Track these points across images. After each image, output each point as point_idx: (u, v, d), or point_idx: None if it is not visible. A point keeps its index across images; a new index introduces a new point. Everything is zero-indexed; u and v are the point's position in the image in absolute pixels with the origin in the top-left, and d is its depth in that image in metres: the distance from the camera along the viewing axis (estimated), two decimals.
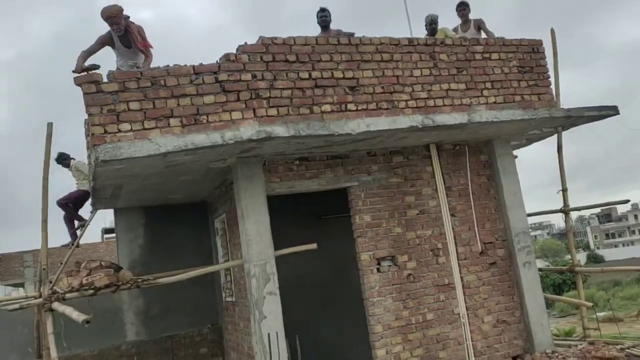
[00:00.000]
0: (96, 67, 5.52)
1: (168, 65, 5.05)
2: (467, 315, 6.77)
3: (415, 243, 6.76)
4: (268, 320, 5.68)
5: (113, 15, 5.96)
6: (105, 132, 4.64)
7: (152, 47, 6.36)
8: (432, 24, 8.07)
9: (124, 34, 6.19)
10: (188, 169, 5.93)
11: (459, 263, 6.91)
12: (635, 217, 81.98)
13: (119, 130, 4.67)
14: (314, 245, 6.07)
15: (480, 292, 6.95)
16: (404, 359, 6.34)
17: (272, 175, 6.16)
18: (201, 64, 5.11)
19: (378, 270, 6.48)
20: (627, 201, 9.06)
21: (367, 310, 6.38)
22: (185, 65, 5.06)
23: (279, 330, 5.68)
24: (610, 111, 7.17)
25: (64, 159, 8.70)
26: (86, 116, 4.88)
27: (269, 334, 5.59)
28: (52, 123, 5.68)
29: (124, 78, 4.83)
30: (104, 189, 6.64)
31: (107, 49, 6.31)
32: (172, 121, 4.86)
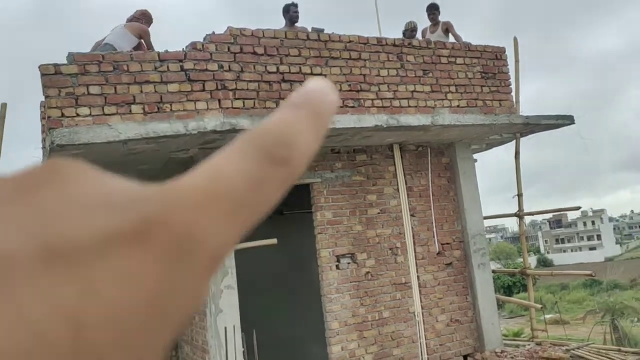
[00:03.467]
0: None
1: (132, 50, 4.92)
2: (422, 314, 6.89)
3: (375, 241, 6.82)
4: (224, 314, 5.62)
5: (152, 22, 6.27)
6: (63, 115, 4.48)
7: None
8: (413, 30, 8.13)
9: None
10: (149, 157, 5.80)
11: (416, 262, 7.02)
12: (584, 223, 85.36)
13: (77, 115, 4.52)
14: (274, 241, 6.04)
15: (436, 291, 7.09)
16: (359, 356, 6.40)
17: None
18: (167, 51, 5.00)
19: (337, 267, 6.52)
20: (578, 208, 9.43)
21: (324, 306, 6.41)
22: (150, 52, 4.94)
23: (235, 325, 5.64)
24: (566, 120, 7.43)
25: None
26: (43, 98, 4.70)
27: (225, 328, 5.54)
28: (6, 104, 5.46)
29: (84, 61, 4.67)
30: None
31: None
32: (134, 108, 4.74)
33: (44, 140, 5.33)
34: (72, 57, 4.64)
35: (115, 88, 4.70)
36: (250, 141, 0.21)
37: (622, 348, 8.11)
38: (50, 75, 4.52)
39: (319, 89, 0.23)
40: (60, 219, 0.17)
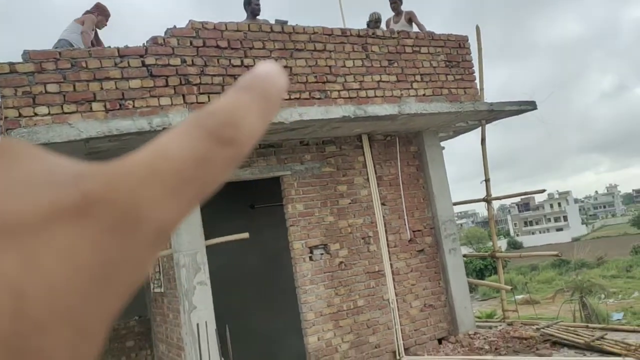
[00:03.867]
0: None
1: (90, 47, 4.79)
2: (397, 301, 6.98)
3: (347, 231, 6.86)
4: (198, 310, 5.58)
5: (109, 16, 6.30)
6: (20, 115, 4.35)
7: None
8: (377, 21, 8.15)
9: (95, 34, 6.23)
10: (112, 156, 5.60)
11: (389, 251, 7.09)
12: (551, 206, 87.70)
13: (36, 114, 4.39)
14: (245, 235, 6.01)
15: (409, 278, 7.18)
16: (335, 345, 6.45)
17: None
18: (127, 47, 4.89)
19: (310, 258, 6.53)
20: (543, 191, 9.66)
21: (299, 298, 6.42)
22: (109, 47, 4.83)
23: (209, 321, 5.60)
24: (529, 106, 7.59)
25: None
26: None
27: (197, 325, 5.50)
28: None
29: (40, 59, 4.53)
30: None
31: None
32: (95, 105, 4.63)
33: None
34: (28, 55, 4.50)
35: (74, 86, 4.58)
36: (196, 122, 0.21)
37: (590, 325, 8.38)
38: (5, 74, 4.37)
39: (268, 72, 0.24)
40: (4, 196, 0.17)
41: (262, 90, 0.23)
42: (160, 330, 7.82)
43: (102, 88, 4.69)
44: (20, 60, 4.47)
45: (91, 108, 4.61)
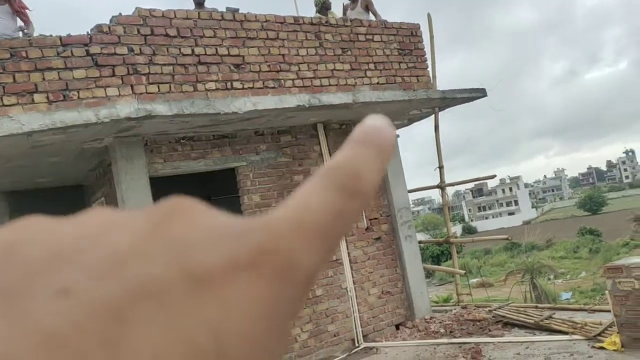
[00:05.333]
0: None
1: (30, 35, 4.56)
2: (355, 289, 7.05)
3: None
4: None
5: None
6: None
7: (27, 8, 5.67)
8: (323, 6, 8.09)
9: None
10: (59, 149, 5.45)
11: (346, 239, 7.13)
12: (503, 191, 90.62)
13: None
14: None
15: (367, 266, 7.26)
16: (295, 335, 6.46)
17: (155, 156, 5.87)
18: (69, 35, 4.68)
19: None
20: (494, 176, 9.97)
21: None
22: (51, 36, 4.61)
23: None
24: (479, 94, 7.77)
25: None
26: None
27: None
28: None
29: None
30: None
31: None
32: (37, 97, 4.42)
33: None
34: None
35: (14, 76, 4.35)
36: (327, 176, 0.23)
37: (539, 305, 8.72)
38: None
39: (379, 125, 0.26)
40: (192, 249, 0.20)
41: (377, 144, 0.25)
42: None
43: (44, 79, 4.48)
44: None
45: (33, 100, 4.39)
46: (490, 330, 6.34)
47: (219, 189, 8.19)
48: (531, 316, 6.40)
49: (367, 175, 0.24)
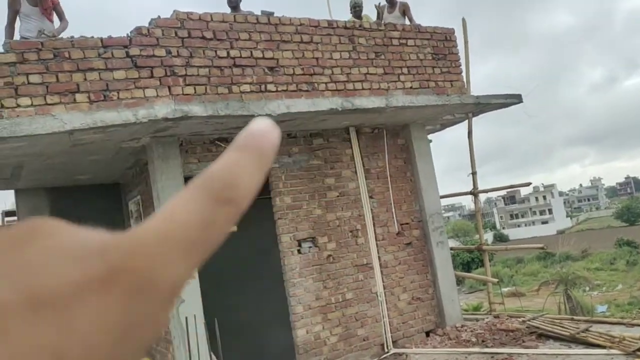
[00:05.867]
0: None
1: (72, 37, 4.70)
2: (384, 294, 6.99)
3: (335, 224, 6.85)
4: (186, 303, 5.53)
5: None
6: (2, 106, 4.26)
7: (57, 3, 5.71)
8: (355, 7, 8.10)
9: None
10: (98, 148, 5.60)
11: (377, 243, 7.10)
12: (537, 199, 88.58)
13: (18, 105, 4.31)
14: (233, 228, 5.96)
15: (397, 271, 7.20)
16: (324, 338, 6.45)
17: (190, 156, 5.97)
18: (110, 37, 4.81)
19: (299, 251, 6.52)
20: (529, 184, 9.74)
21: (287, 291, 6.41)
22: (92, 38, 4.74)
23: (198, 313, 5.57)
24: (515, 99, 7.62)
25: None
26: None
27: (186, 318, 5.46)
28: None
29: (22, 49, 4.44)
30: (2, 169, 6.12)
31: None
32: (79, 97, 4.55)
33: None
34: (9, 45, 4.41)
35: (57, 76, 4.50)
36: (199, 186, 0.23)
37: (575, 317, 8.48)
38: None
39: (261, 129, 0.26)
40: (41, 271, 0.20)
41: (257, 149, 0.25)
42: None
43: (85, 79, 4.61)
44: (2, 50, 4.38)
45: (75, 99, 4.52)
46: (524, 341, 6.19)
47: None
48: (567, 328, 6.22)
49: (244, 182, 0.24)
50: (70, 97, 4.51)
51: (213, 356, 5.51)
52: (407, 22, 8.03)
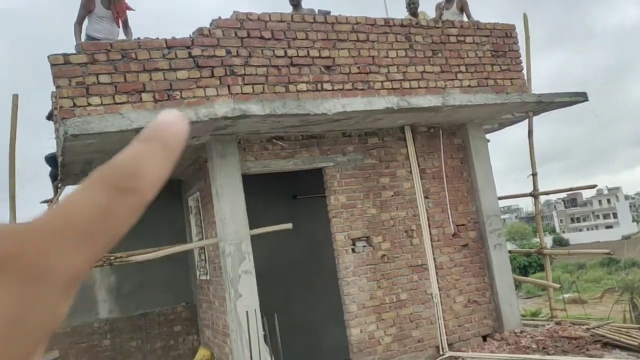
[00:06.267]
0: None
1: (139, 38, 4.91)
2: (440, 296, 6.87)
3: (390, 224, 6.80)
4: (244, 298, 5.65)
5: None
6: (75, 105, 4.49)
7: (131, 9, 5.95)
8: (411, 4, 8.01)
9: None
10: None
11: (432, 244, 6.99)
12: (600, 202, 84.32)
13: (89, 104, 4.53)
14: (289, 225, 6.04)
15: (453, 273, 7.06)
16: (378, 338, 6.41)
17: (247, 154, 6.09)
18: (174, 38, 4.98)
19: (353, 250, 6.51)
20: (594, 186, 9.28)
21: (341, 290, 6.41)
22: (157, 39, 4.92)
23: (256, 308, 5.67)
24: (580, 98, 7.29)
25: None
26: (54, 88, 4.72)
27: (247, 312, 5.57)
28: (17, 95, 5.48)
29: (92, 50, 4.67)
30: (73, 165, 6.46)
31: None
32: (145, 96, 4.74)
33: (57, 130, 5.36)
34: (81, 47, 4.65)
35: (124, 76, 4.70)
36: (99, 176, 0.24)
37: None
38: (60, 65, 4.53)
39: (167, 121, 0.26)
40: None
41: (161, 140, 0.26)
42: (206, 317, 7.99)
43: (151, 79, 4.80)
44: (74, 51, 4.63)
45: (141, 98, 4.72)
46: (588, 350, 5.92)
47: (304, 189, 8.33)
48: (635, 338, 5.90)
49: (148, 171, 0.24)
50: (136, 96, 4.71)
51: (270, 350, 5.60)
52: (465, 18, 7.85)
